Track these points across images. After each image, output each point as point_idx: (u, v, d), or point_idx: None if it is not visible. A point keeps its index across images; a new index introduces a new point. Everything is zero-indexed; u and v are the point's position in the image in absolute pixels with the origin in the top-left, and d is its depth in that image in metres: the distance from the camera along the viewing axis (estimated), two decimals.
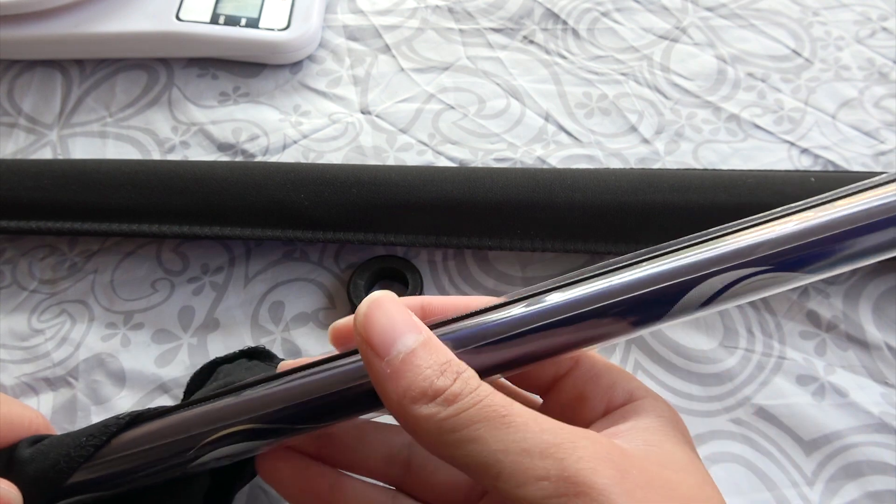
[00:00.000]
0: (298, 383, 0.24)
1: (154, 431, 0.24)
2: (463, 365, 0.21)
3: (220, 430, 0.24)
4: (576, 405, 0.25)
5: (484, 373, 0.22)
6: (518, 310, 0.23)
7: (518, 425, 0.20)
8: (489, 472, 0.19)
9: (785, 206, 0.23)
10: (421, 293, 0.36)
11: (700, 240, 0.23)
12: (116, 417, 0.25)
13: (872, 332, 0.34)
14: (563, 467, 0.19)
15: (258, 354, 0.31)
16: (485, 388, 0.21)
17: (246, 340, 0.35)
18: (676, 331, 0.35)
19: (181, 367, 0.34)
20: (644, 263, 0.23)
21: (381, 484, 0.27)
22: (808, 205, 0.23)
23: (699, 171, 0.38)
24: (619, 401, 0.24)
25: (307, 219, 0.35)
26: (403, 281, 0.36)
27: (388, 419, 0.24)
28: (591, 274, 0.23)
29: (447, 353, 0.22)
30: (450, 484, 0.27)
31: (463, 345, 0.23)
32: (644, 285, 0.22)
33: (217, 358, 0.30)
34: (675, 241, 0.24)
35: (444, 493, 0.27)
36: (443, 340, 0.22)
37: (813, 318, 0.35)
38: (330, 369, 0.24)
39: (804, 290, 0.36)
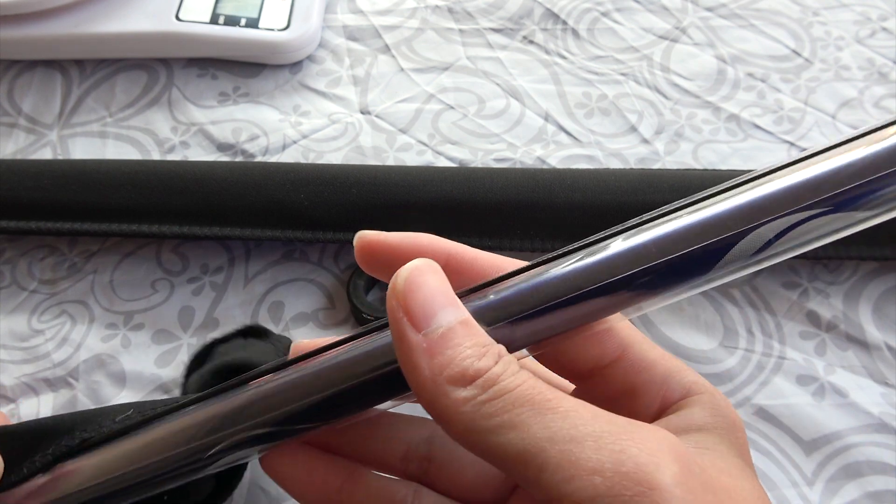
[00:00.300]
0: (315, 371, 0.21)
1: (157, 443, 0.22)
2: (502, 347, 0.19)
3: (231, 437, 0.21)
4: (624, 400, 0.22)
5: (511, 348, 0.21)
6: (549, 274, 0.20)
7: (566, 411, 0.17)
8: (531, 463, 0.17)
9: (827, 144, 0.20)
10: None
11: (742, 181, 0.20)
12: (112, 419, 0.23)
13: (872, 332, 0.34)
14: (621, 460, 0.16)
15: (253, 332, 0.31)
16: (526, 373, 0.19)
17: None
18: (676, 331, 0.35)
19: (181, 368, 0.34)
20: (681, 212, 0.20)
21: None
22: (858, 134, 0.20)
23: (699, 171, 0.38)
24: (674, 396, 0.22)
25: (307, 219, 0.35)
26: None
27: (403, 409, 0.22)
28: (613, 233, 0.21)
29: (486, 335, 0.19)
30: (477, 481, 0.24)
31: (488, 319, 0.20)
32: (688, 237, 0.20)
33: (214, 339, 0.30)
34: (708, 190, 0.21)
35: (470, 490, 0.24)
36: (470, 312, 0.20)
37: (813, 318, 0.35)
38: (350, 352, 0.21)
39: (804, 290, 0.36)
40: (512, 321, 0.20)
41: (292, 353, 0.23)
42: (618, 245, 0.20)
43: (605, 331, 0.22)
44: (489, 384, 0.18)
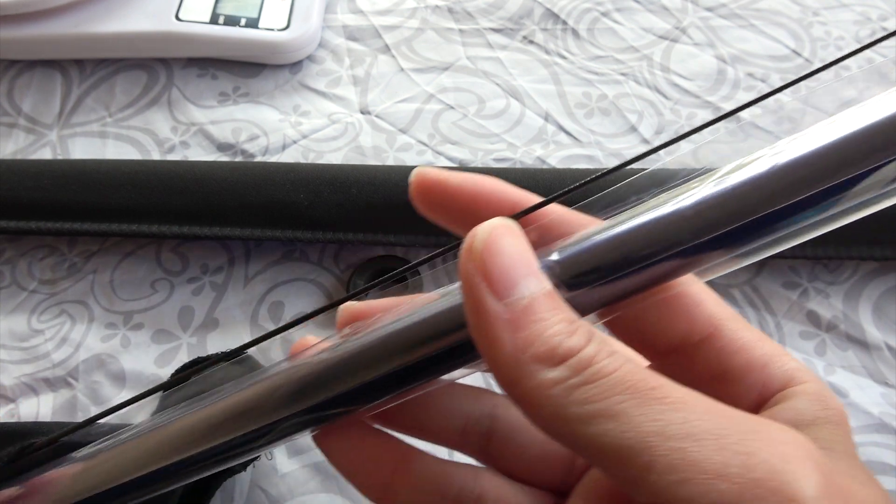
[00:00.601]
0: (366, 346, 0.19)
1: (212, 424, 0.20)
2: (590, 325, 0.17)
3: (279, 424, 0.19)
4: (715, 385, 0.19)
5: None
6: (644, 219, 0.18)
7: (676, 402, 0.15)
8: (635, 460, 0.14)
9: None
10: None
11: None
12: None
13: (872, 332, 0.34)
14: (750, 465, 0.14)
15: (242, 362, 0.30)
16: (622, 355, 0.16)
17: (245, 340, 0.35)
18: None
19: None
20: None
21: (458, 460, 0.23)
22: None
23: (699, 170, 0.38)
24: (774, 385, 0.19)
25: (307, 219, 0.35)
26: (402, 281, 0.36)
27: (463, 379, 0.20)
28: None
29: (572, 311, 0.17)
30: (543, 459, 0.22)
31: (563, 279, 0.17)
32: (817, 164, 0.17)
33: (198, 358, 0.30)
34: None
35: (535, 468, 0.22)
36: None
37: (813, 318, 0.35)
38: (407, 319, 0.19)
39: (804, 290, 0.36)
40: (596, 284, 0.17)
41: (293, 352, 0.21)
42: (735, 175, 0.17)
43: (693, 303, 0.20)
44: (583, 366, 0.15)
